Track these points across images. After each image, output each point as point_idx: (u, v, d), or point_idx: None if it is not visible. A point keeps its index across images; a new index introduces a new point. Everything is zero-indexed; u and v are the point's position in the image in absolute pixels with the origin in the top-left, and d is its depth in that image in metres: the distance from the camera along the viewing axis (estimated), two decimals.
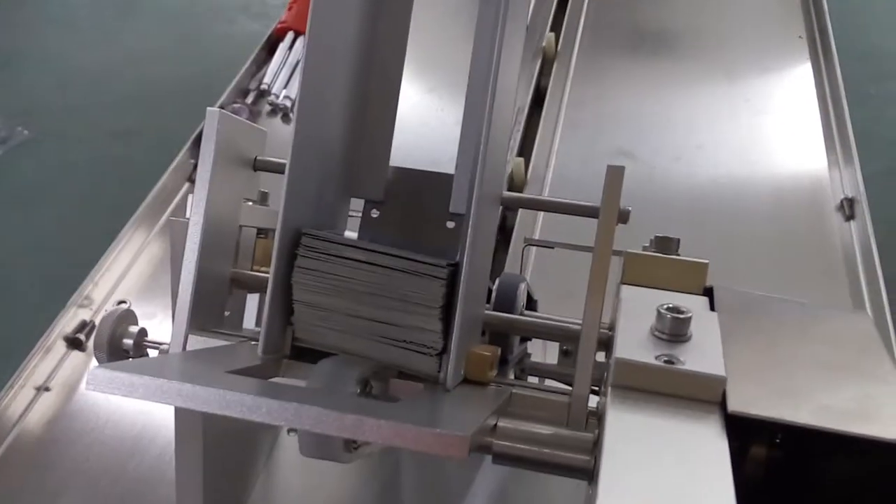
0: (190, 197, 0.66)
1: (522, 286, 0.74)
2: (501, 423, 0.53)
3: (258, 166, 0.70)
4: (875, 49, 3.68)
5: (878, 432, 0.42)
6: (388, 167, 0.66)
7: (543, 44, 1.62)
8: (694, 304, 0.55)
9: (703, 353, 0.47)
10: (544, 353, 0.91)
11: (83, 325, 1.06)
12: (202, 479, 0.67)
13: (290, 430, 0.86)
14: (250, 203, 0.72)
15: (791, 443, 0.49)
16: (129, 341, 0.66)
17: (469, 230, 0.55)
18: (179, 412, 0.64)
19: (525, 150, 1.41)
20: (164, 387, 0.44)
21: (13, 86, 3.68)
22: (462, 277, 0.55)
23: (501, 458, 0.52)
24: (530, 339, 0.83)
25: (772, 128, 1.45)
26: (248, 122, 0.69)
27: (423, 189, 0.67)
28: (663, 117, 1.48)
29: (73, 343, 1.05)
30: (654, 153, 1.39)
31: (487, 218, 0.61)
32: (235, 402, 0.44)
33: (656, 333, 0.49)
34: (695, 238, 1.19)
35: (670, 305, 0.50)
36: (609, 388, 0.46)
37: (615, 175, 0.60)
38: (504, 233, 1.26)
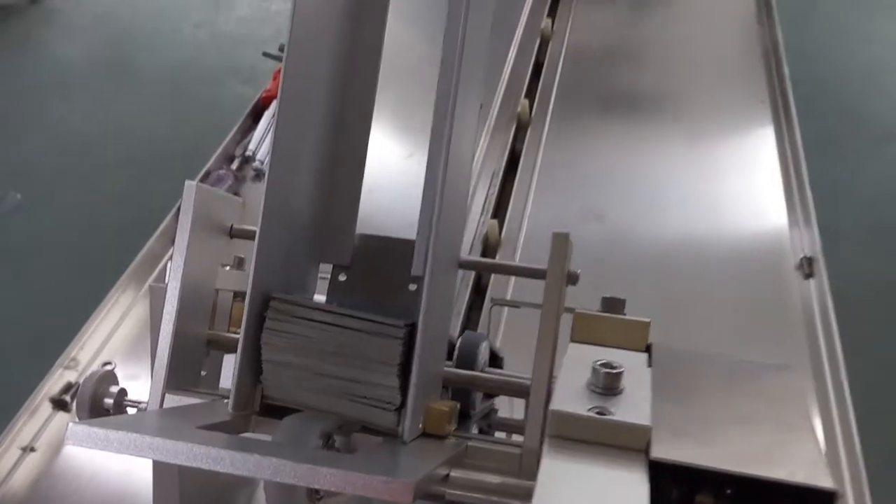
0: (169, 263, 0.71)
1: (484, 344, 0.78)
2: (454, 474, 0.57)
3: (234, 234, 0.75)
4: (855, 108, 3.82)
5: (785, 476, 0.46)
6: (355, 234, 0.71)
7: (518, 109, 1.69)
8: (632, 360, 0.59)
9: (633, 405, 0.52)
10: (511, 409, 0.95)
11: (69, 387, 1.10)
12: None
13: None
14: (227, 268, 0.77)
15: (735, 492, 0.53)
16: (109, 401, 0.70)
17: (424, 292, 0.60)
18: (157, 471, 0.68)
19: (499, 212, 1.47)
20: (136, 441, 0.48)
21: (7, 150, 3.77)
22: (418, 337, 0.59)
23: None
24: (496, 396, 0.87)
25: (735, 189, 1.51)
26: (224, 192, 0.74)
27: (388, 254, 0.72)
28: (632, 180, 1.54)
29: (59, 404, 1.08)
30: (623, 215, 1.45)
31: (444, 280, 0.66)
32: (202, 455, 0.48)
33: (591, 387, 0.54)
34: (660, 297, 1.24)
35: (604, 361, 0.55)
36: (546, 438, 0.50)
37: (560, 241, 0.65)
38: (479, 294, 1.31)
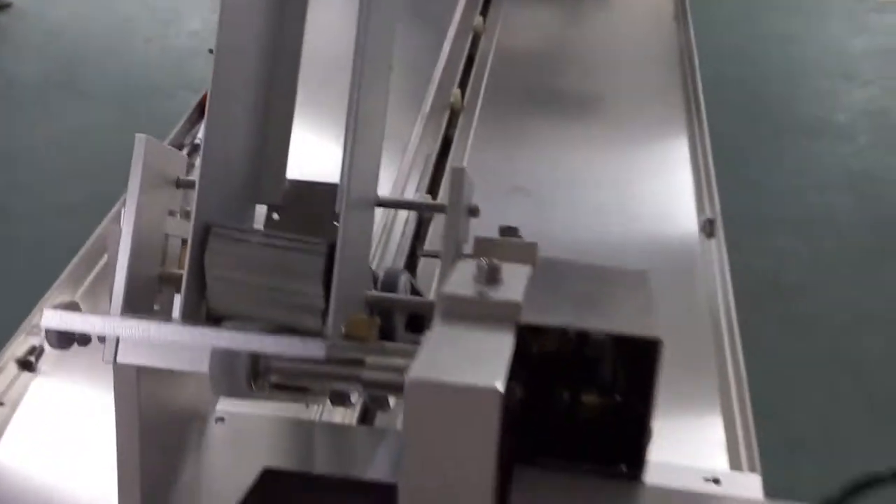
0: (122, 210, 0.81)
1: (403, 276, 0.90)
2: (370, 359, 0.68)
3: (180, 184, 0.85)
4: (778, 106, 4.03)
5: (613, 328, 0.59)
6: (286, 179, 0.83)
7: (451, 99, 1.82)
8: (516, 265, 0.71)
9: (509, 290, 0.64)
10: None
11: (33, 350, 1.18)
12: (139, 449, 0.80)
13: (217, 420, 1.00)
14: (177, 217, 0.87)
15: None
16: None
17: (342, 213, 0.72)
18: (118, 390, 0.78)
19: (433, 189, 1.59)
20: (103, 321, 0.59)
21: None
22: (338, 248, 0.71)
23: (369, 385, 0.67)
24: (422, 333, 0.99)
25: (648, 168, 1.66)
26: (171, 147, 0.85)
27: (316, 196, 0.83)
28: (555, 162, 1.68)
29: (24, 365, 1.17)
30: (546, 191, 1.58)
31: (361, 213, 0.78)
32: (160, 331, 0.59)
33: (476, 279, 0.65)
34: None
35: (489, 260, 0.67)
36: (436, 319, 0.62)
37: (457, 175, 0.77)
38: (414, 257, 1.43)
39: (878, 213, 3.39)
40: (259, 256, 0.72)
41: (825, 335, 2.93)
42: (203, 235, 0.73)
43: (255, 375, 0.68)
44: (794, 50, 4.46)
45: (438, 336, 0.59)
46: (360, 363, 0.68)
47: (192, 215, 0.72)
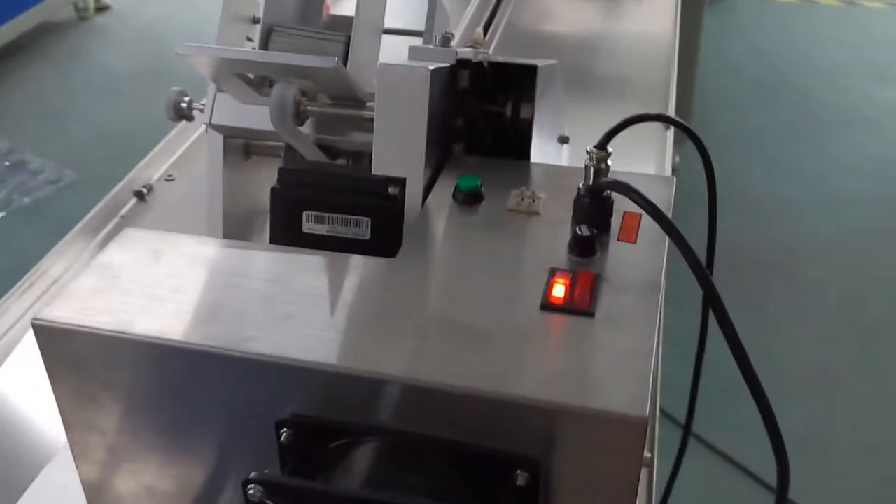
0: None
1: None
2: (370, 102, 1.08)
3: (255, 21, 1.26)
4: (811, 100, 4.37)
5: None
6: (326, 13, 1.24)
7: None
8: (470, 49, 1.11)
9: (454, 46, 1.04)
10: None
11: (146, 185, 1.62)
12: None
13: None
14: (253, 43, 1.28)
15: None
16: (184, 105, 1.22)
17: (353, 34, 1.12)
18: (210, 163, 1.19)
19: None
20: (226, 52, 1.00)
21: (61, 139, 4.37)
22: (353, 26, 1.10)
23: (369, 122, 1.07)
24: None
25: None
26: None
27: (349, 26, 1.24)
28: None
29: (139, 195, 1.61)
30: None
31: (370, 36, 1.17)
32: (243, 54, 1.00)
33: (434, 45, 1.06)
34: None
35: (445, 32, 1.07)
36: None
37: (432, 3, 1.17)
38: None
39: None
40: (304, 44, 1.13)
41: (834, 297, 3.26)
42: (267, 35, 1.15)
43: (297, 114, 1.08)
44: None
45: (399, 62, 0.99)
46: (363, 105, 1.08)
47: (261, 20, 1.14)
